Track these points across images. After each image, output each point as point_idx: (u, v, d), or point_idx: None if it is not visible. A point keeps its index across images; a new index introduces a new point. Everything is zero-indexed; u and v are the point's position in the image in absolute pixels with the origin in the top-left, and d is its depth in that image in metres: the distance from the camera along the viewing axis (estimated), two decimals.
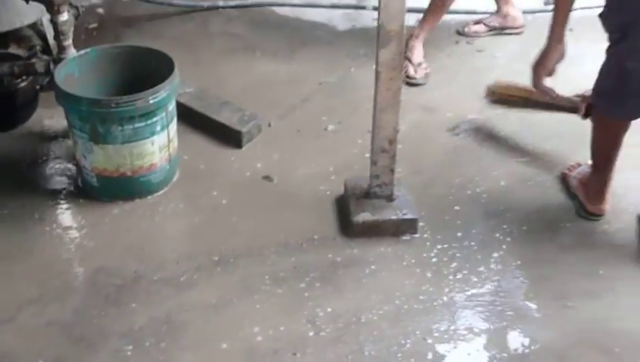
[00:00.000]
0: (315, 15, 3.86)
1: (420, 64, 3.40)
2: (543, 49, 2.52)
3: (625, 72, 2.29)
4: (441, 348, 2.09)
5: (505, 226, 2.56)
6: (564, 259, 2.43)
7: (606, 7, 2.33)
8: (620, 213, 2.60)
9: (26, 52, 2.97)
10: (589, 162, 2.68)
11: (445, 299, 2.26)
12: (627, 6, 2.23)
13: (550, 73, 2.58)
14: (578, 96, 2.82)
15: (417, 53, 3.44)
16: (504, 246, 2.46)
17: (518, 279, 2.35)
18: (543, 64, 2.54)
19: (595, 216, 2.61)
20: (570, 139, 2.85)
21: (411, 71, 3.35)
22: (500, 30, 3.81)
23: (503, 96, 3.13)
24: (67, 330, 2.10)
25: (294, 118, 3.07)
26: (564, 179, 2.78)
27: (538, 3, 4.07)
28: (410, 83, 3.30)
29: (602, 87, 2.42)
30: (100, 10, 3.82)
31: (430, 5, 3.47)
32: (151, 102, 2.42)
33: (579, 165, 2.79)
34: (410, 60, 3.37)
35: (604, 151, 2.55)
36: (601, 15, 2.36)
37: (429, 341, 2.11)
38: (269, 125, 3.00)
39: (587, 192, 2.62)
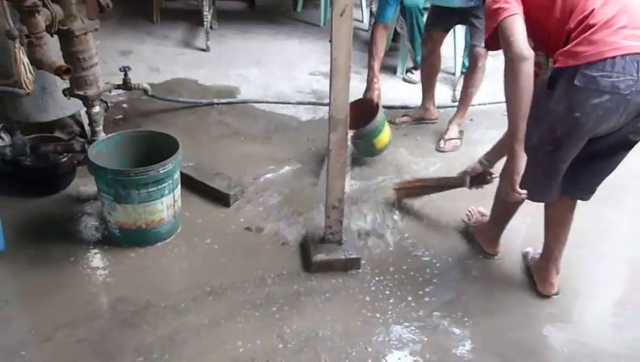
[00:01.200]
0: (285, 109, 3.94)
1: None
2: (512, 160, 2.07)
3: (556, 172, 2.12)
4: (379, 355, 2.12)
5: (426, 261, 2.59)
6: (469, 287, 2.46)
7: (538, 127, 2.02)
8: (510, 252, 2.66)
9: (67, 135, 2.99)
10: (481, 209, 2.77)
11: (381, 318, 2.29)
12: (559, 125, 1.97)
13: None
14: (461, 173, 2.72)
15: None
16: (426, 277, 2.49)
17: (436, 302, 2.36)
18: (518, 173, 2.08)
19: (492, 255, 2.63)
20: (467, 197, 2.82)
21: None
22: (419, 120, 3.83)
23: (407, 191, 2.93)
24: (93, 346, 2.11)
25: (269, 185, 3.08)
26: (464, 228, 2.79)
27: (447, 100, 4.11)
28: None
29: (533, 183, 2.12)
30: (125, 105, 3.85)
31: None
32: (161, 172, 2.45)
33: (473, 213, 2.81)
34: None
35: (506, 213, 2.49)
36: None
37: (370, 349, 2.15)
38: (246, 191, 3.00)
39: (485, 238, 2.65)
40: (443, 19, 3.45)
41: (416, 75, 4.14)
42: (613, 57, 1.80)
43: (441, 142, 3.54)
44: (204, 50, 4.77)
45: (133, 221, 2.51)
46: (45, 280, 2.39)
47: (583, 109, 1.87)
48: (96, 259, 2.54)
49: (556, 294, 2.41)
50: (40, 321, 2.20)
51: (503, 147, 2.29)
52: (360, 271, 2.50)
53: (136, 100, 3.84)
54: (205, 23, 4.73)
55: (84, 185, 2.90)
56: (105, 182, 2.48)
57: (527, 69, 1.90)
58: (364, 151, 3.24)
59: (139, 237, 2.57)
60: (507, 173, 2.12)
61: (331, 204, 2.45)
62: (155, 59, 4.57)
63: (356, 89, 3.98)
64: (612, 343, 2.22)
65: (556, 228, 2.35)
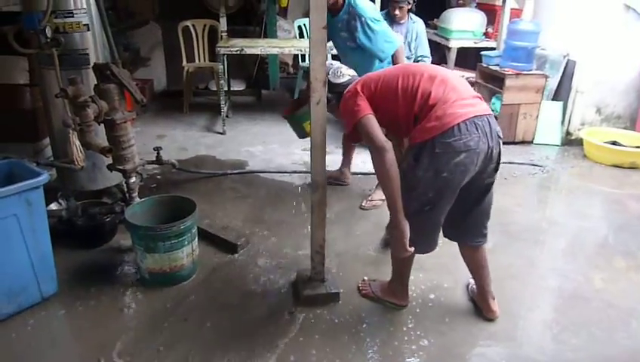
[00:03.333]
0: (283, 177, 3.96)
1: None
2: (399, 228, 2.00)
3: (437, 225, 2.11)
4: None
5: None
6: (428, 313, 2.40)
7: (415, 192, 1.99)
8: (460, 283, 2.59)
9: (112, 200, 2.99)
10: (375, 280, 2.55)
11: (355, 336, 2.23)
12: (431, 187, 1.95)
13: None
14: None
15: None
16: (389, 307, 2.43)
17: (393, 326, 2.30)
18: (406, 236, 2.02)
19: (404, 306, 2.43)
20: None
21: None
22: (334, 181, 3.64)
23: None
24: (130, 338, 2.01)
25: (271, 236, 3.06)
26: (365, 296, 2.49)
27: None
28: None
29: (420, 240, 2.09)
30: (159, 177, 3.88)
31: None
32: (181, 227, 2.45)
33: (367, 283, 2.55)
34: None
35: (406, 267, 2.33)
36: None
37: (349, 356, 2.05)
38: (250, 241, 2.97)
39: (393, 295, 2.43)
40: None
41: None
42: (458, 124, 1.86)
43: (364, 201, 3.43)
44: (221, 133, 4.84)
45: (160, 266, 2.49)
46: (93, 315, 2.36)
47: (448, 169, 1.90)
48: (131, 297, 2.51)
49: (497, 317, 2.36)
50: (84, 350, 2.17)
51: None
52: (340, 302, 2.46)
53: (167, 173, 3.86)
54: (222, 113, 4.82)
55: (124, 239, 2.88)
56: (138, 236, 2.47)
57: (390, 156, 1.93)
58: (298, 133, 2.98)
59: (164, 280, 2.54)
60: (397, 238, 2.03)
61: (315, 250, 2.43)
62: (183, 141, 4.63)
63: (338, 162, 4.08)
64: (541, 355, 2.17)
65: (477, 270, 2.34)
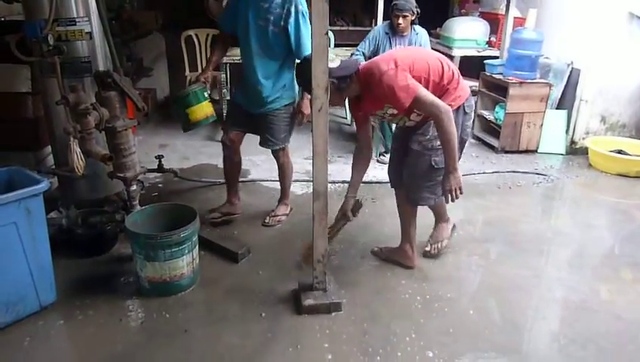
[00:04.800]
0: None
1: None
2: (456, 174, 2.35)
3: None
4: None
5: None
6: (425, 332, 2.36)
7: None
8: None
9: (112, 209, 2.97)
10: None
11: (357, 347, 2.19)
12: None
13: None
14: (342, 212, 2.69)
15: None
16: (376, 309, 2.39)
17: (396, 337, 2.26)
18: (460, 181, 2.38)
19: (412, 267, 2.78)
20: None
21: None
22: (227, 215, 3.28)
23: (310, 257, 2.47)
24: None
25: (270, 244, 3.03)
26: (375, 254, 2.90)
27: None
28: None
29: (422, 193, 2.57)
30: (160, 185, 3.86)
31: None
32: (181, 236, 2.43)
33: (380, 250, 2.90)
34: None
35: (413, 226, 2.73)
36: None
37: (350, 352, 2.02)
38: (251, 250, 2.94)
39: (403, 256, 2.78)
40: (239, 121, 3.09)
41: (387, 158, 4.13)
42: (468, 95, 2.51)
43: (267, 218, 3.28)
44: None
45: (160, 275, 2.46)
46: (93, 323, 2.34)
47: (468, 123, 2.57)
48: (132, 306, 2.48)
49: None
50: (83, 361, 2.15)
51: (357, 181, 2.70)
52: (341, 312, 2.43)
53: (169, 181, 3.84)
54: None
55: (124, 248, 2.85)
56: (138, 244, 2.45)
57: (451, 116, 2.27)
58: (181, 119, 2.89)
59: (164, 289, 2.51)
60: (457, 180, 2.37)
61: (317, 259, 2.41)
62: (185, 151, 4.62)
63: (341, 170, 4.07)
64: None
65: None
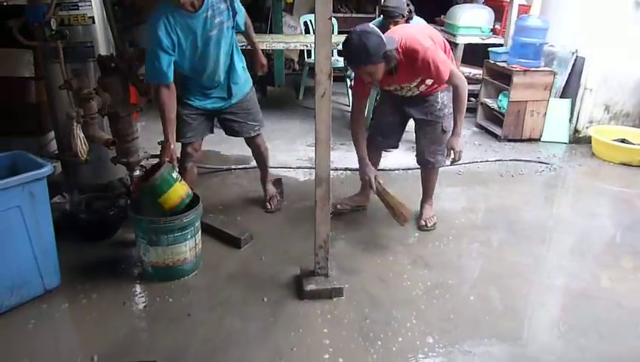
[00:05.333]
0: (287, 173, 3.93)
1: None
2: (460, 138, 2.74)
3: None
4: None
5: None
6: (426, 318, 2.37)
7: None
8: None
9: (115, 194, 2.97)
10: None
11: (358, 332, 2.20)
12: None
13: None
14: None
15: None
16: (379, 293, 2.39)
17: (397, 322, 2.27)
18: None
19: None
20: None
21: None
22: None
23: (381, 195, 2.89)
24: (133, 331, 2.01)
25: (275, 231, 3.03)
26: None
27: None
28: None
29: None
30: None
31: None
32: (184, 221, 2.44)
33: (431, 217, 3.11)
34: None
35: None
36: None
37: (352, 352, 2.02)
38: (254, 236, 2.95)
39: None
40: (201, 126, 2.92)
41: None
42: None
43: (267, 204, 3.30)
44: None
45: (163, 260, 2.48)
46: (98, 307, 2.35)
47: None
48: (136, 290, 2.50)
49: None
50: (86, 343, 2.17)
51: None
52: (343, 297, 2.44)
53: None
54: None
55: (128, 233, 2.86)
56: (141, 229, 2.46)
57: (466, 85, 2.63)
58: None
59: (167, 273, 2.52)
60: (459, 143, 2.74)
61: (319, 245, 2.41)
62: None
63: (343, 157, 4.06)
64: (548, 354, 2.13)
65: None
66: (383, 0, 3.82)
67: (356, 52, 2.38)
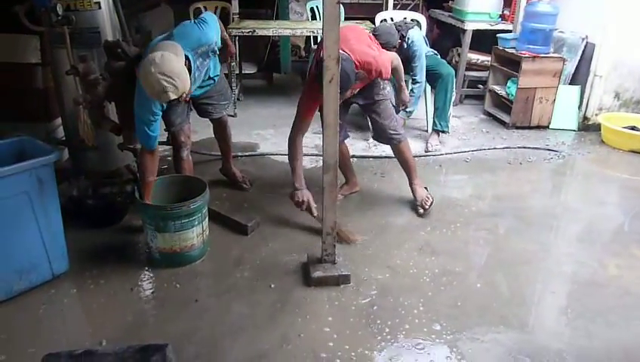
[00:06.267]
0: None
1: None
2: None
3: None
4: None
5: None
6: (433, 305, 2.36)
7: None
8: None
9: (122, 181, 2.98)
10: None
11: (365, 319, 2.19)
12: None
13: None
14: None
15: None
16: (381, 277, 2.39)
17: (404, 309, 2.27)
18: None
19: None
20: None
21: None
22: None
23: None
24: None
25: (282, 218, 3.03)
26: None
27: (420, 151, 4.05)
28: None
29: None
30: (169, 158, 3.79)
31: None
32: (191, 207, 2.44)
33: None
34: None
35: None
36: None
37: (360, 338, 2.02)
38: (261, 223, 2.94)
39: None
40: (184, 112, 2.88)
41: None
42: None
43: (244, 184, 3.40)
44: (232, 116, 4.79)
45: (170, 246, 2.48)
46: (105, 293, 2.36)
47: None
48: (142, 276, 2.51)
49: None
50: (95, 328, 2.17)
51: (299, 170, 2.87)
52: (350, 284, 2.44)
53: None
54: (234, 96, 4.77)
55: (135, 219, 2.87)
56: (148, 215, 2.46)
57: None
58: None
59: (174, 259, 2.52)
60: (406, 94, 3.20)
61: (326, 231, 2.41)
62: (195, 124, 4.50)
63: (349, 145, 4.03)
64: (556, 341, 2.12)
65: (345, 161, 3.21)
66: (373, 34, 3.69)
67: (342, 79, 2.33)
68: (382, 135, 3.00)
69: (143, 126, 2.38)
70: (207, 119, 3.19)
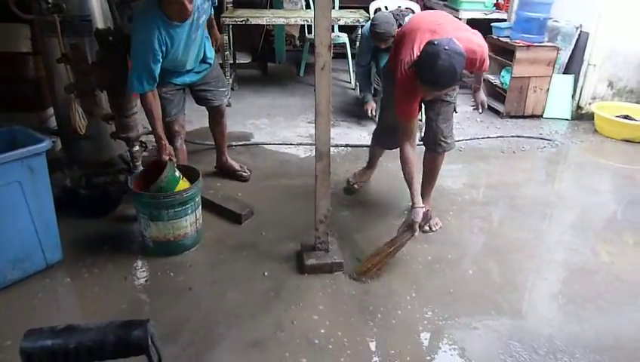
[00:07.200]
0: (287, 149, 3.92)
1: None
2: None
3: None
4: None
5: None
6: (426, 291, 2.38)
7: None
8: None
9: (115, 170, 2.97)
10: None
11: (358, 305, 2.21)
12: None
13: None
14: (406, 226, 2.43)
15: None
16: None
17: (397, 296, 2.28)
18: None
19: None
20: None
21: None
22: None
23: (370, 269, 2.42)
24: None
25: (275, 206, 3.03)
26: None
27: None
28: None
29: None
30: None
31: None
32: (184, 196, 2.43)
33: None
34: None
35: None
36: None
37: (353, 325, 2.03)
38: (254, 212, 2.94)
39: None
40: (181, 102, 2.92)
41: None
42: None
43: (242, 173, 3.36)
44: (227, 105, 4.75)
45: (164, 235, 2.48)
46: (99, 282, 2.36)
47: None
48: (136, 264, 2.51)
49: None
50: (89, 317, 2.19)
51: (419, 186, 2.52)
52: (343, 271, 2.45)
53: None
54: (228, 85, 4.74)
55: (128, 208, 2.86)
56: (141, 204, 2.46)
57: None
58: None
59: (168, 248, 2.53)
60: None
61: (319, 219, 2.41)
62: (189, 114, 4.46)
63: (344, 134, 4.05)
64: (547, 327, 2.15)
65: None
66: (371, 24, 3.72)
67: (449, 77, 2.12)
68: (432, 138, 2.67)
69: (145, 72, 2.39)
70: (204, 108, 3.17)
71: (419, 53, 2.20)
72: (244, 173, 3.34)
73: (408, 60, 2.27)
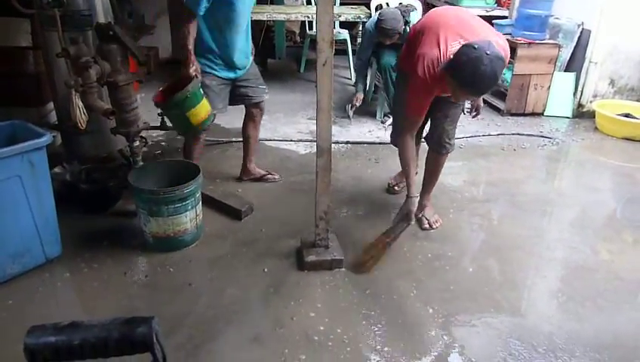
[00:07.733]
0: (288, 146, 3.91)
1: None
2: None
3: None
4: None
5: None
6: (426, 289, 2.37)
7: None
8: None
9: (115, 165, 2.96)
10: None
11: (358, 303, 2.21)
12: None
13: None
14: (402, 215, 2.54)
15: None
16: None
17: (397, 294, 2.28)
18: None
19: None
20: None
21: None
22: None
23: (367, 261, 2.45)
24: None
25: (276, 203, 3.03)
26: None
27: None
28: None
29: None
30: (163, 143, 3.86)
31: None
32: (185, 191, 2.43)
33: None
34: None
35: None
36: None
37: (352, 322, 2.04)
38: (254, 208, 2.94)
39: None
40: (226, 96, 2.93)
41: (391, 119, 4.08)
42: None
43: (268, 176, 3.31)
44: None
45: (163, 231, 2.48)
46: (99, 277, 2.36)
47: None
48: (135, 260, 2.50)
49: None
50: (88, 312, 2.19)
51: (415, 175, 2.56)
52: (342, 268, 2.45)
53: (172, 139, 3.83)
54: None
55: (128, 204, 2.85)
56: (141, 199, 2.46)
57: None
58: (181, 126, 2.64)
59: (167, 244, 2.53)
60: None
61: (319, 216, 2.41)
62: None
63: (345, 131, 4.04)
64: (546, 324, 2.15)
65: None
66: (378, 19, 3.71)
67: (491, 83, 2.06)
68: (436, 139, 2.65)
69: None
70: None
71: (453, 55, 2.08)
72: (274, 176, 3.29)
73: (435, 57, 2.16)
